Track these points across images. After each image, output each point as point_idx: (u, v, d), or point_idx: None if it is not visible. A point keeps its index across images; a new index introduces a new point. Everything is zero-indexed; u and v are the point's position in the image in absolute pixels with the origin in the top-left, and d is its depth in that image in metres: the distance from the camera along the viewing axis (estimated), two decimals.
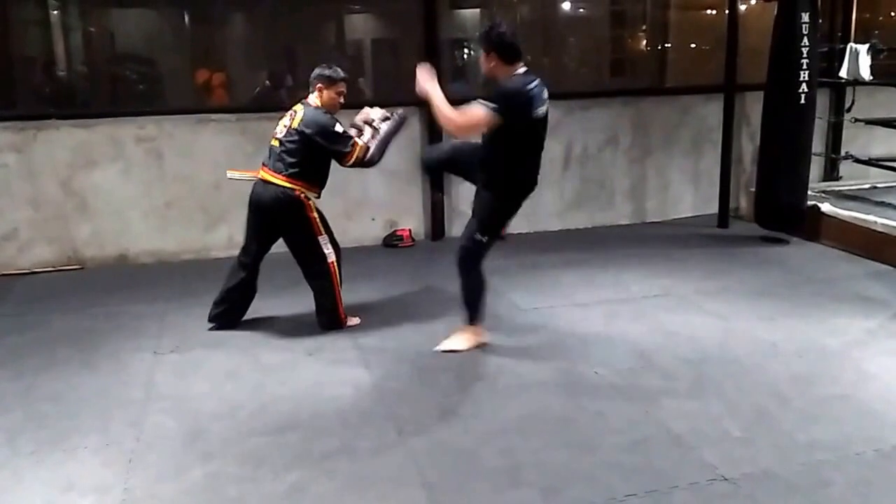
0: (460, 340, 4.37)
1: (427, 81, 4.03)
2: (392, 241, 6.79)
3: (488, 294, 4.91)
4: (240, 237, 6.38)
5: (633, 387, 3.89)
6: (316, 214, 4.55)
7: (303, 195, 4.47)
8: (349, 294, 5.41)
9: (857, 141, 7.49)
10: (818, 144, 7.17)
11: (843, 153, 7.50)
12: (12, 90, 6.66)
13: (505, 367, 4.17)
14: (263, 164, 4.56)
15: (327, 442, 3.40)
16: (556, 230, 7.22)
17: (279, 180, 4.44)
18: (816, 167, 7.42)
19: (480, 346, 4.38)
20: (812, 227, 6.44)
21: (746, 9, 7.84)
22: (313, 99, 4.52)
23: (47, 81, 6.85)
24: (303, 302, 5.24)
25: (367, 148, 4.48)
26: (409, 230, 6.85)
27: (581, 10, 8.69)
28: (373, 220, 6.84)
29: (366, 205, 6.78)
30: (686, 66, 8.47)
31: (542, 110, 4.07)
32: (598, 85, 8.19)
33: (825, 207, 6.44)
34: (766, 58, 6.25)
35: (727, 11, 6.92)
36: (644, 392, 3.83)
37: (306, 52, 7.52)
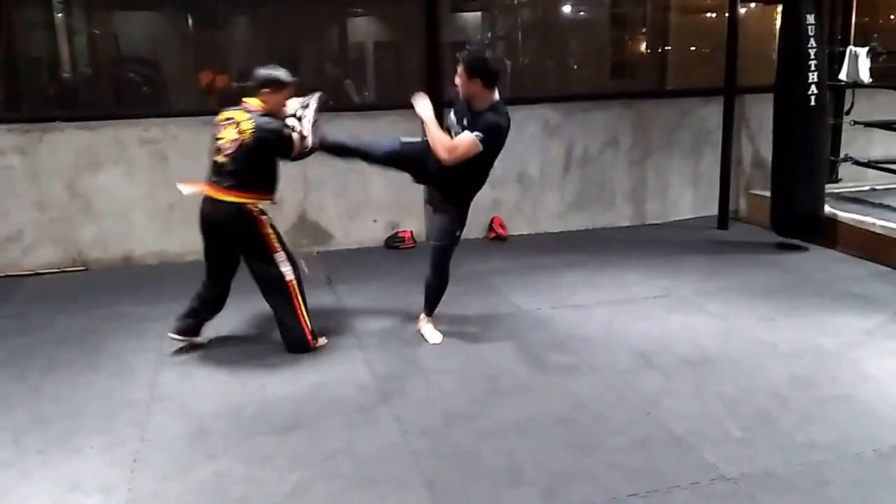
0: (434, 333, 4.62)
1: (424, 109, 4.27)
2: (394, 243, 6.81)
3: (490, 295, 4.97)
4: None
5: (633, 387, 3.92)
6: (270, 230, 4.27)
7: (256, 210, 4.19)
8: (352, 295, 5.45)
9: (856, 143, 7.51)
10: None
11: (842, 155, 7.52)
12: (18, 93, 6.68)
13: (506, 367, 4.20)
14: (209, 182, 4.24)
15: (330, 442, 3.43)
16: (556, 232, 7.24)
17: (231, 197, 4.14)
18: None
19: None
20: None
21: (746, 12, 7.87)
22: (256, 104, 4.18)
23: (52, 84, 6.88)
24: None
25: (303, 136, 4.28)
26: (411, 232, 6.88)
27: (582, 12, 8.71)
28: (374, 221, 6.86)
29: (368, 206, 6.81)
30: (686, 68, 8.49)
31: None
32: (599, 87, 8.22)
33: (825, 209, 6.45)
34: (766, 61, 6.26)
35: (727, 14, 6.95)
36: (644, 393, 3.85)
37: (308, 54, 7.56)
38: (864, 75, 6.81)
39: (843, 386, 3.89)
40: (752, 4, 8.14)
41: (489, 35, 8.72)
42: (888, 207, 6.56)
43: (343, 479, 3.14)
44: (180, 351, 4.44)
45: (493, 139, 4.18)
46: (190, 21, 7.17)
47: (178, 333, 4.44)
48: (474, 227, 7.03)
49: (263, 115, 4.14)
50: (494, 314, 5.00)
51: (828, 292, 5.32)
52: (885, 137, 7.36)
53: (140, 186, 6.31)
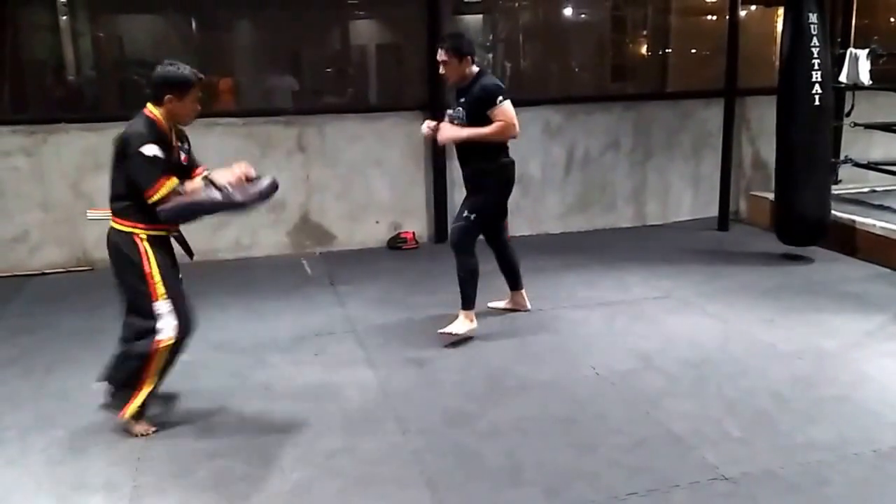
0: (458, 325, 4.57)
1: (446, 133, 4.47)
2: (396, 244, 6.84)
3: (491, 296, 4.97)
4: (247, 240, 6.50)
5: (633, 388, 3.94)
6: (155, 270, 3.35)
7: (143, 243, 3.35)
8: (354, 296, 5.47)
9: (856, 145, 7.51)
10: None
11: (842, 157, 7.53)
12: (23, 94, 6.71)
13: (507, 367, 4.22)
14: None
15: (332, 441, 3.45)
16: (557, 233, 7.26)
17: (116, 223, 3.39)
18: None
19: (473, 333, 4.59)
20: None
21: (747, 14, 7.88)
22: (156, 112, 3.37)
23: (57, 86, 6.90)
24: (307, 303, 5.32)
25: (174, 199, 3.27)
26: (413, 233, 6.90)
27: (583, 15, 8.73)
28: (377, 222, 6.88)
29: (370, 207, 6.83)
30: (687, 71, 8.51)
31: None
32: (600, 89, 8.23)
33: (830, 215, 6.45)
34: (766, 63, 6.25)
35: (728, 16, 6.97)
36: (645, 393, 3.88)
37: (311, 56, 7.59)
38: (865, 77, 6.82)
39: (842, 386, 3.91)
40: (753, 6, 8.15)
41: (491, 37, 8.73)
42: (888, 209, 6.57)
43: (344, 478, 3.16)
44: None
45: (506, 92, 4.37)
46: (193, 24, 7.19)
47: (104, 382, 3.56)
48: None
49: (147, 120, 3.34)
50: (495, 314, 5.02)
51: (828, 293, 5.33)
52: (886, 139, 7.38)
53: None
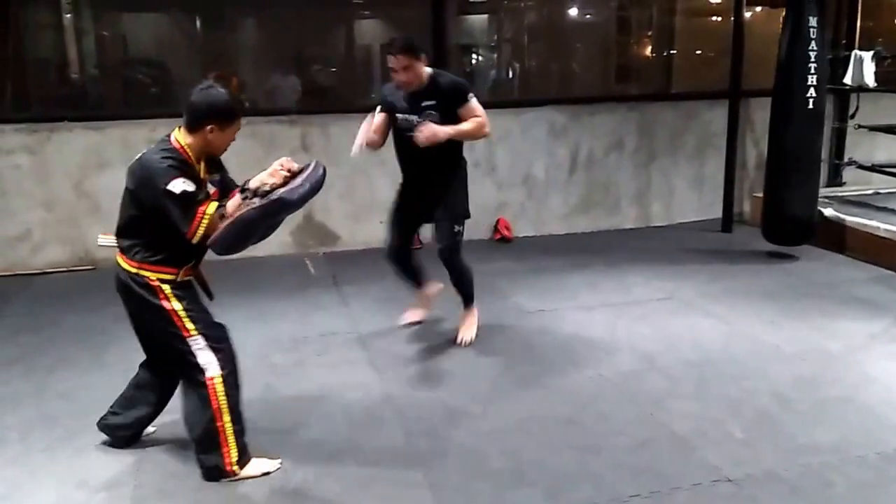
0: (472, 326, 4.60)
1: (434, 133, 3.99)
2: None
3: (494, 296, 4.97)
4: None
5: (636, 389, 3.93)
6: (178, 305, 3.02)
7: (157, 281, 3.01)
8: (357, 296, 5.46)
9: (860, 147, 7.51)
10: (822, 150, 7.19)
11: (846, 159, 7.53)
12: (26, 92, 6.73)
13: (510, 368, 4.22)
14: None
15: (334, 441, 3.45)
16: (561, 234, 7.26)
17: (124, 262, 3.05)
18: (820, 173, 7.44)
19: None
20: (815, 232, 6.44)
21: (752, 15, 7.87)
22: (182, 136, 2.97)
23: (60, 84, 6.92)
24: (311, 303, 5.31)
25: (219, 226, 2.89)
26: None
27: (588, 15, 8.73)
28: (381, 222, 6.86)
29: (374, 207, 6.81)
30: (691, 72, 8.51)
31: None
32: (604, 90, 8.24)
33: (828, 213, 6.47)
34: (771, 64, 6.24)
35: (733, 17, 6.96)
36: (648, 394, 3.87)
37: (316, 56, 7.60)
38: (869, 79, 6.82)
39: (846, 388, 3.90)
40: (758, 8, 8.14)
41: (496, 37, 8.75)
42: (892, 211, 6.57)
43: (347, 479, 3.16)
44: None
45: (471, 88, 4.22)
46: (198, 23, 7.20)
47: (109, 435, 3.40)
48: (479, 228, 7.06)
49: (166, 150, 2.93)
50: (498, 315, 5.01)
51: (831, 295, 5.32)
52: (890, 141, 7.37)
53: None
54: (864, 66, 6.80)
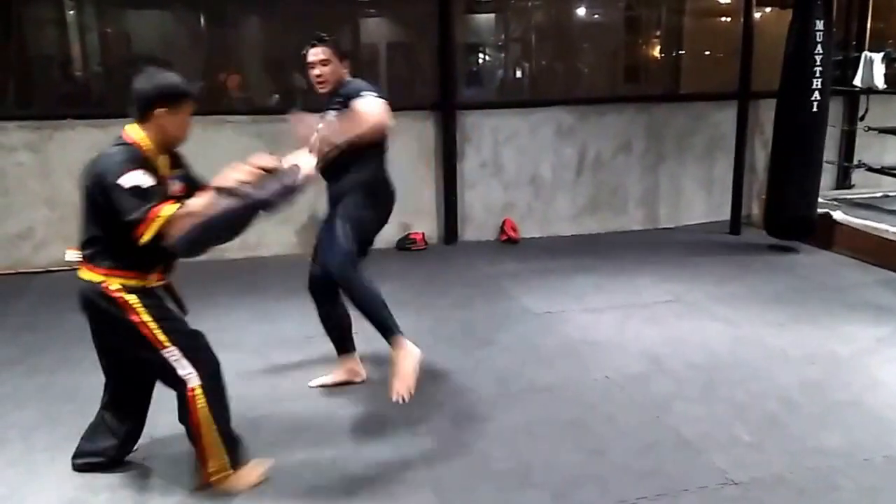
0: (409, 367, 3.38)
1: (321, 129, 3.48)
2: (405, 245, 6.81)
3: (500, 297, 4.93)
4: (253, 239, 6.47)
5: (643, 391, 3.90)
6: (148, 317, 2.83)
7: (119, 293, 2.84)
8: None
9: (870, 149, 7.47)
10: (831, 152, 7.17)
11: (855, 161, 7.49)
12: (29, 90, 6.73)
13: (516, 370, 4.20)
14: None
15: (340, 442, 3.44)
16: (568, 235, 7.23)
17: (86, 272, 2.92)
18: (829, 175, 7.42)
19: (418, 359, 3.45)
20: (824, 234, 6.42)
21: (761, 16, 7.84)
22: (134, 130, 2.82)
23: (63, 81, 6.92)
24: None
25: (180, 225, 2.66)
26: (423, 233, 6.88)
27: (596, 16, 8.71)
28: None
29: None
30: (700, 73, 8.47)
31: None
32: (613, 91, 8.21)
33: (837, 215, 6.43)
34: (781, 66, 6.23)
35: (742, 18, 6.93)
36: (654, 396, 3.84)
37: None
38: (879, 81, 6.79)
39: (853, 392, 3.86)
40: (768, 8, 8.10)
41: (503, 37, 8.72)
42: None
43: (352, 479, 3.14)
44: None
45: (377, 92, 3.59)
46: (202, 21, 7.20)
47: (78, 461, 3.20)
48: (486, 229, 7.05)
49: (123, 147, 2.78)
50: (505, 316, 5.00)
51: (839, 298, 5.28)
52: None
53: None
54: (875, 68, 6.77)
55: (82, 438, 3.21)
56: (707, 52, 8.71)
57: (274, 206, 2.76)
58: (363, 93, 3.53)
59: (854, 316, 4.93)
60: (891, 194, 7.25)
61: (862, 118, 7.25)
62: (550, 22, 8.53)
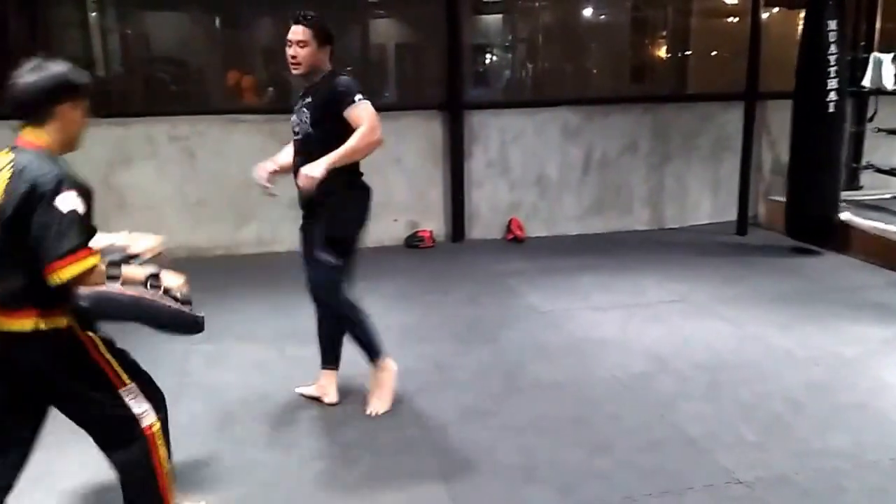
0: (386, 389, 3.72)
1: (310, 177, 3.22)
2: (413, 242, 6.86)
3: (506, 295, 4.95)
4: (268, 235, 6.52)
5: (648, 390, 3.94)
6: (109, 354, 2.42)
7: (76, 331, 2.33)
8: (371, 294, 5.40)
9: (878, 151, 7.46)
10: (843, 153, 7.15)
11: (864, 163, 7.48)
12: None
13: (523, 367, 4.24)
14: None
15: (351, 434, 3.50)
16: (574, 234, 7.26)
17: (13, 323, 2.23)
18: (842, 175, 7.40)
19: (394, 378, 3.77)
20: (831, 236, 6.43)
21: (769, 16, 7.84)
22: (36, 134, 2.26)
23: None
24: None
25: (96, 282, 2.29)
26: (431, 231, 6.93)
27: (603, 16, 8.72)
28: (395, 221, 6.91)
29: (389, 206, 6.83)
30: (707, 73, 8.48)
31: None
32: (619, 91, 8.23)
33: (845, 217, 6.43)
34: (788, 66, 6.23)
35: (749, 18, 6.93)
36: (659, 395, 3.88)
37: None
38: (888, 82, 6.79)
39: (860, 393, 3.88)
40: (775, 9, 8.10)
41: (510, 37, 8.75)
42: None
43: (363, 470, 3.21)
44: (207, 341, 3.50)
45: (364, 92, 3.36)
46: (218, 22, 7.26)
47: None
48: (493, 228, 7.09)
49: (42, 153, 2.23)
50: (511, 315, 5.04)
51: (846, 300, 5.30)
52: None
53: (170, 182, 6.44)
54: (884, 69, 6.76)
55: None
56: (714, 53, 8.72)
57: (165, 327, 2.65)
58: (356, 98, 3.29)
59: (860, 317, 4.94)
60: None
61: (871, 119, 7.24)
62: (557, 23, 8.56)
